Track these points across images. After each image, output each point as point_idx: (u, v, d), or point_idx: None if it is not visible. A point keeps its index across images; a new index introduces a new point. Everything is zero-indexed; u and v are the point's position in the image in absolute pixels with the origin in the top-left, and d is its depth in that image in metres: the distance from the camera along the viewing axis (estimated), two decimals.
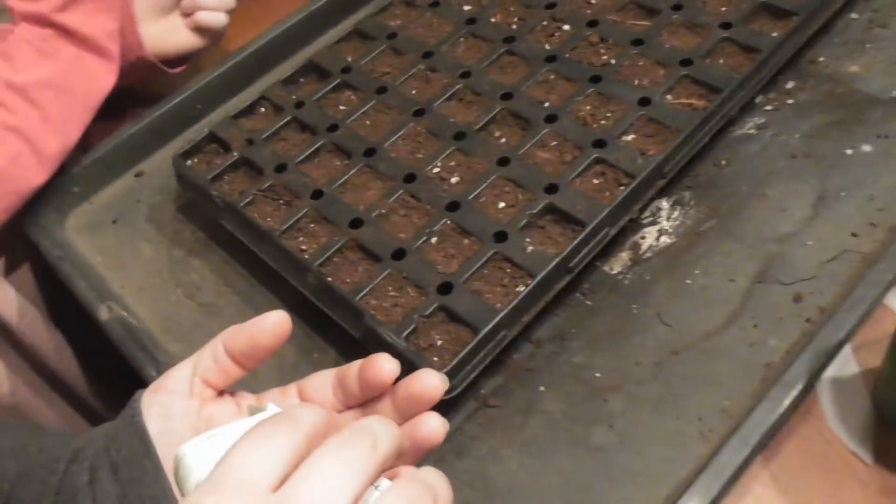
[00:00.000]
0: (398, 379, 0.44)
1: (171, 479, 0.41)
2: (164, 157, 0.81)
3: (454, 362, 0.54)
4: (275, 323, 0.45)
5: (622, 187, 0.61)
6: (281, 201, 0.68)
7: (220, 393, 0.47)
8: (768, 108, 0.71)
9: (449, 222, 0.62)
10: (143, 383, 0.47)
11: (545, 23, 0.76)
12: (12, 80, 0.68)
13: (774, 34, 0.69)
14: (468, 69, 0.73)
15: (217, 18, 0.83)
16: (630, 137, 0.65)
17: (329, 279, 0.60)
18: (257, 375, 0.58)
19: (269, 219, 0.66)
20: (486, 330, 0.55)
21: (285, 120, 0.73)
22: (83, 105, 0.72)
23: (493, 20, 0.78)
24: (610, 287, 0.63)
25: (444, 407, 0.43)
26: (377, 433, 0.34)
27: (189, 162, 0.74)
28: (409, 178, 0.66)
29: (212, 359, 0.46)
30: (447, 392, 0.53)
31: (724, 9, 0.72)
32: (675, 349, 0.59)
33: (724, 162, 0.69)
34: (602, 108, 0.68)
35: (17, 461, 0.49)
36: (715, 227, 0.65)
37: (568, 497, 0.54)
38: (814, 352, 0.55)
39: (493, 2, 0.80)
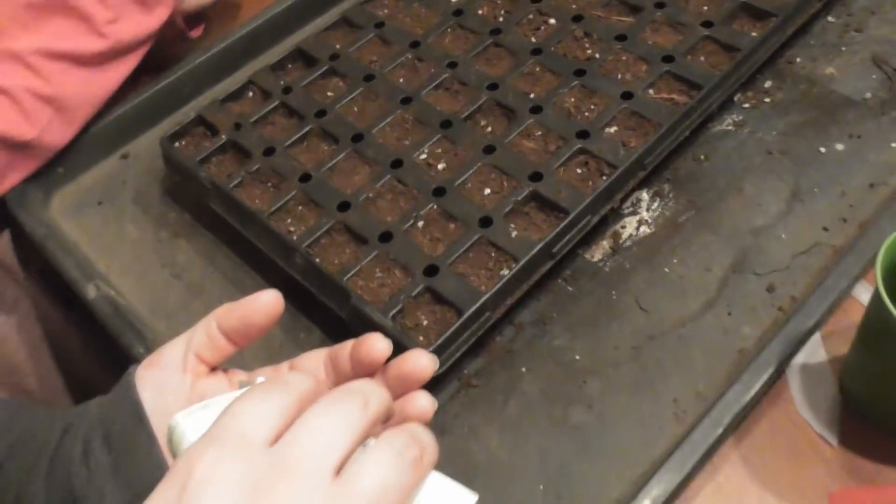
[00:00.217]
0: (388, 360, 0.45)
1: (165, 449, 0.42)
2: (150, 139, 0.82)
3: (439, 342, 0.55)
4: (268, 302, 0.46)
5: (604, 177, 0.63)
6: (269, 184, 0.69)
7: (213, 369, 0.48)
8: (746, 106, 0.74)
9: (435, 207, 0.63)
10: (126, 362, 0.48)
11: (531, 16, 0.78)
12: (50, 47, 0.71)
13: (754, 34, 0.71)
14: (455, 59, 0.74)
15: None
16: (612, 129, 0.67)
17: (316, 260, 0.61)
18: (243, 355, 0.59)
19: (256, 201, 0.67)
20: (470, 311, 0.57)
21: (273, 105, 0.74)
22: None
23: (479, 12, 0.79)
24: (590, 274, 0.65)
25: (428, 386, 0.44)
26: (368, 394, 0.35)
27: (176, 144, 0.74)
28: (397, 164, 0.67)
29: (205, 335, 0.47)
30: None
31: (705, 8, 0.74)
32: (652, 334, 0.61)
33: (702, 157, 0.71)
34: (586, 100, 0.69)
35: (9, 434, 0.50)
36: (693, 218, 0.67)
37: (546, 474, 0.56)
38: (785, 338, 0.57)
39: None
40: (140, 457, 0.42)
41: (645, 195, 0.69)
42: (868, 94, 0.72)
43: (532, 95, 0.70)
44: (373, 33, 0.80)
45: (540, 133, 0.67)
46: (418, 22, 0.81)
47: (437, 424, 0.59)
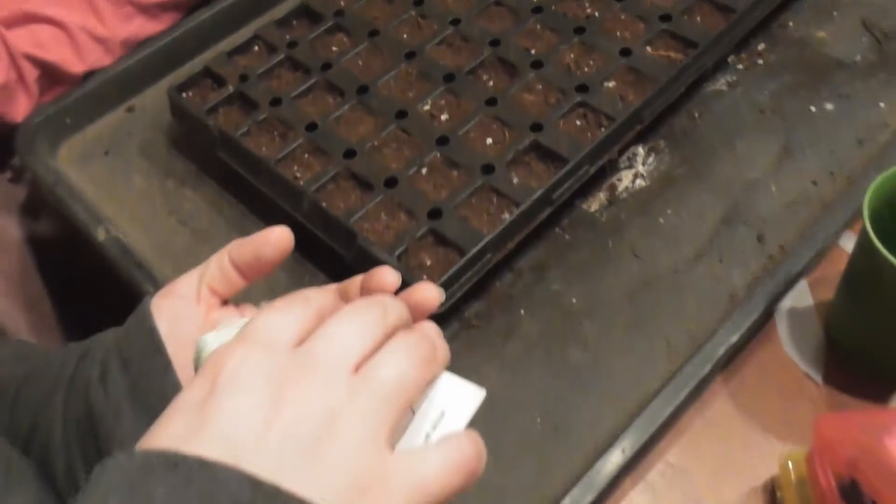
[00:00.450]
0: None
1: (187, 370, 0.43)
2: (156, 92, 0.83)
3: (443, 280, 0.57)
4: (279, 237, 0.48)
5: (602, 129, 0.65)
6: (275, 133, 0.70)
7: (225, 303, 0.50)
8: (740, 67, 0.76)
9: (439, 155, 0.65)
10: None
11: None
12: None
13: None
14: (458, 17, 0.76)
15: None
16: (611, 84, 0.69)
17: (323, 204, 0.63)
18: (251, 299, 0.61)
19: (263, 149, 0.69)
20: (473, 252, 0.59)
21: (279, 58, 0.76)
22: None
23: None
24: (588, 224, 0.67)
25: None
26: (387, 304, 0.37)
27: (184, 95, 0.76)
28: (401, 115, 0.69)
29: (218, 268, 0.48)
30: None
31: None
32: (646, 280, 0.63)
33: (697, 115, 0.73)
34: (585, 57, 0.71)
35: (23, 365, 0.51)
36: (686, 172, 0.69)
37: (544, 409, 0.58)
38: (773, 282, 0.59)
39: None
40: (156, 379, 0.43)
41: (641, 150, 0.71)
42: (858, 57, 0.74)
43: (533, 52, 0.72)
44: None
45: (540, 87, 0.69)
46: None
47: None
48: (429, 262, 0.60)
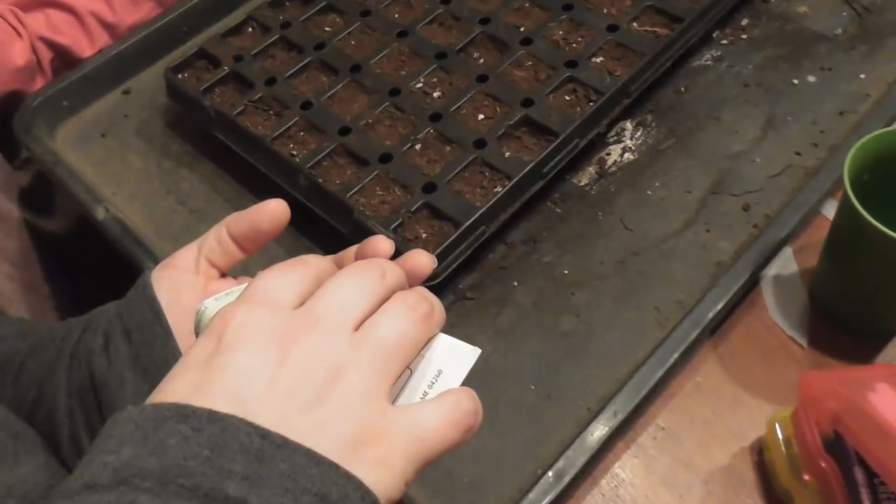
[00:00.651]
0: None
1: (186, 338, 0.45)
2: (151, 75, 0.84)
3: (438, 252, 0.59)
4: (274, 209, 0.49)
5: (591, 103, 0.67)
6: (270, 112, 0.72)
7: (223, 276, 0.51)
8: (724, 41, 0.77)
9: (432, 131, 0.67)
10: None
11: None
12: None
13: None
14: None
15: None
16: (599, 59, 0.70)
17: (319, 180, 0.65)
18: (248, 275, 0.62)
19: (259, 128, 0.70)
20: (467, 224, 0.60)
21: (273, 39, 0.77)
22: None
23: None
24: (578, 197, 0.69)
25: None
26: (385, 266, 0.38)
27: (179, 76, 0.77)
28: (394, 92, 0.70)
29: (216, 240, 0.49)
30: (430, 280, 0.58)
31: None
32: (635, 250, 0.65)
33: (683, 89, 0.74)
34: (573, 33, 0.73)
35: (25, 340, 0.52)
36: (674, 145, 0.71)
37: (538, 376, 0.60)
38: (759, 248, 0.61)
39: None
40: (157, 348, 0.44)
41: (629, 125, 0.73)
42: (839, 30, 0.76)
43: (522, 29, 0.73)
44: None
45: (530, 63, 0.71)
46: None
47: None
48: (424, 235, 0.61)
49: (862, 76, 0.72)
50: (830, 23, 0.77)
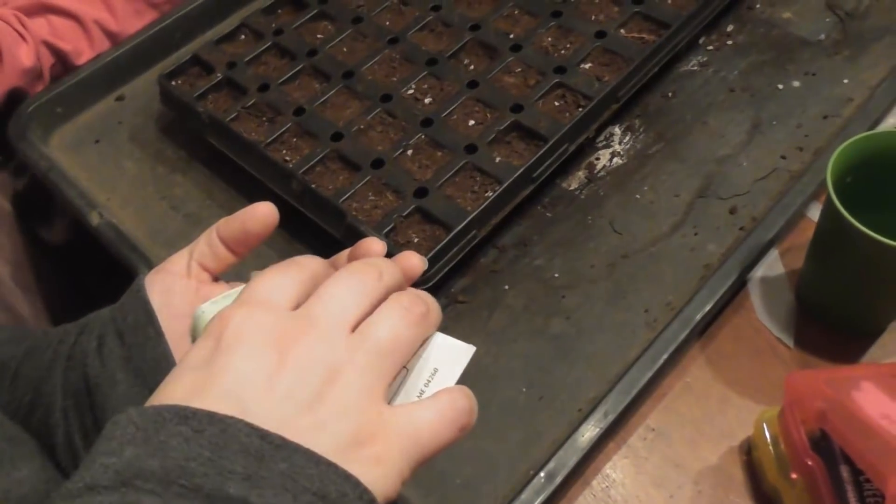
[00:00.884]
0: None
1: (179, 343, 0.45)
2: (145, 82, 0.85)
3: (430, 256, 0.60)
4: (263, 212, 0.49)
5: (580, 108, 0.68)
6: (263, 118, 0.72)
7: (216, 280, 0.51)
8: (710, 47, 0.79)
9: (423, 136, 0.68)
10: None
11: None
12: None
13: None
14: (438, 3, 0.78)
15: None
16: (587, 65, 0.71)
17: (313, 185, 0.65)
18: (242, 279, 0.63)
19: (252, 134, 0.71)
20: (458, 228, 0.61)
21: (266, 45, 0.78)
22: None
23: None
24: (568, 201, 0.70)
25: None
26: (382, 266, 0.38)
27: (173, 83, 0.77)
28: (386, 98, 0.71)
29: (207, 244, 0.49)
30: (423, 284, 0.59)
31: None
32: (625, 253, 0.66)
33: (670, 94, 0.76)
34: (562, 39, 0.74)
35: (21, 345, 0.53)
36: (662, 150, 0.72)
37: (529, 377, 0.60)
38: (746, 250, 0.62)
39: None
40: (149, 349, 0.45)
41: (617, 129, 0.74)
42: (822, 36, 0.77)
43: (511, 35, 0.74)
44: None
45: (520, 69, 0.72)
46: None
47: None
48: (416, 240, 0.62)
49: (845, 81, 0.73)
50: (814, 28, 0.78)
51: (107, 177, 0.78)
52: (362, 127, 0.69)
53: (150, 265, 0.67)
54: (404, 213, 0.63)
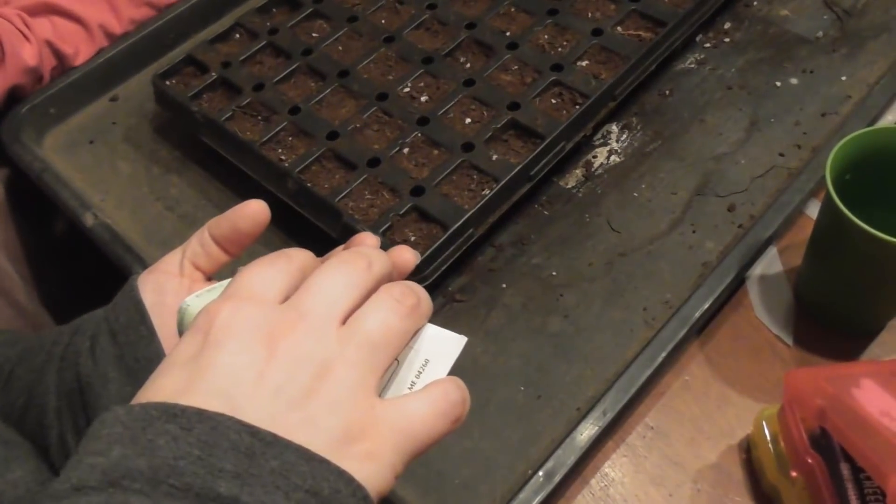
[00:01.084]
0: None
1: (170, 338, 0.45)
2: (139, 82, 0.84)
3: (427, 254, 0.59)
4: (254, 209, 0.49)
5: (577, 106, 0.68)
6: (259, 117, 0.72)
7: (209, 279, 0.51)
8: (707, 45, 0.78)
9: (420, 135, 0.67)
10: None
11: None
12: None
13: None
14: (434, 1, 0.78)
15: None
16: (584, 63, 0.71)
17: (308, 184, 0.65)
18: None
19: (247, 133, 0.71)
20: (455, 226, 0.61)
21: (260, 45, 0.77)
22: None
23: None
24: (565, 199, 0.70)
25: None
26: (372, 256, 0.37)
27: (167, 83, 0.77)
28: (382, 97, 0.71)
29: (199, 244, 0.49)
30: (420, 283, 0.59)
31: None
32: (623, 251, 0.66)
33: (667, 92, 0.75)
34: (559, 37, 0.74)
35: (14, 348, 0.52)
36: (659, 148, 0.72)
37: (527, 376, 0.60)
38: (745, 248, 0.62)
39: None
40: (141, 348, 0.45)
41: (615, 128, 0.73)
42: (820, 33, 0.77)
43: (508, 33, 0.74)
44: None
45: (516, 67, 0.71)
46: None
47: None
48: (413, 238, 0.62)
49: (843, 78, 0.73)
50: (811, 26, 0.78)
51: (101, 178, 0.77)
52: (358, 126, 0.69)
53: (145, 266, 0.66)
54: (401, 212, 0.62)
